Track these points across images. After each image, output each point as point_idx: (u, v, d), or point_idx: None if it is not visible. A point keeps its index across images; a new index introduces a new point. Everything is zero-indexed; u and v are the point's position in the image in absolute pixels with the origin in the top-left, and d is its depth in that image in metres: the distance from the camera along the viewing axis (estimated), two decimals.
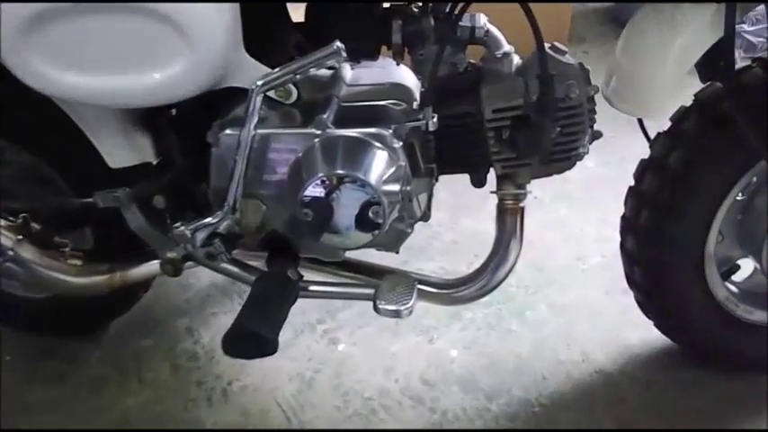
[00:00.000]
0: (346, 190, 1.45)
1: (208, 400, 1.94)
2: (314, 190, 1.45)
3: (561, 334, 2.09)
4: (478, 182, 1.70)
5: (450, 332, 2.13)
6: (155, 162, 1.74)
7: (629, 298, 1.94)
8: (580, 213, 2.52)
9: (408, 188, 1.49)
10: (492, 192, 1.69)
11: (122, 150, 1.68)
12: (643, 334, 2.04)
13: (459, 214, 2.48)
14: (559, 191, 2.61)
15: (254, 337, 1.37)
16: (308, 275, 1.67)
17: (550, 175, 1.68)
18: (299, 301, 2.31)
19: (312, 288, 1.63)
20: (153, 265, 1.80)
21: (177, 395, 1.96)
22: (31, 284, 1.75)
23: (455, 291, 1.78)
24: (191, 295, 2.32)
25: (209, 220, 1.56)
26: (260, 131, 1.51)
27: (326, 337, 2.14)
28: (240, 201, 1.58)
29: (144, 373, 2.02)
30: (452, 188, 2.65)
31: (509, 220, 1.71)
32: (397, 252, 1.73)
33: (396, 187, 1.47)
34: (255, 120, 1.45)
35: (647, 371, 1.98)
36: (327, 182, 1.44)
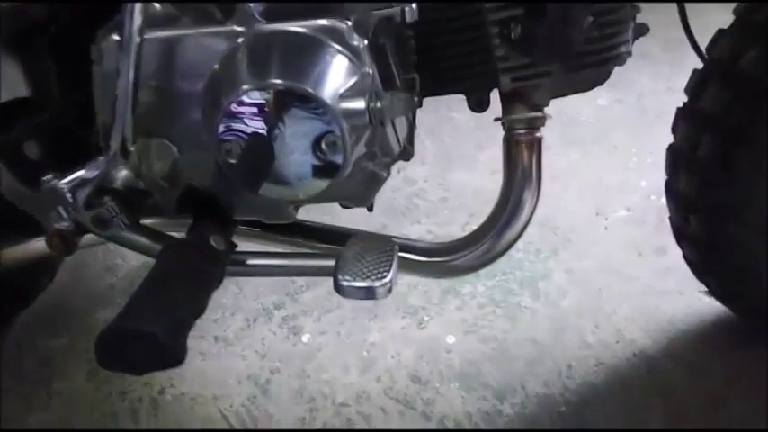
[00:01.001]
0: (288, 113, 0.96)
1: (133, 414, 1.56)
2: (238, 116, 0.95)
3: (585, 309, 1.71)
4: (478, 104, 1.24)
5: (445, 313, 1.69)
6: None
7: (666, 259, 1.70)
8: (595, 160, 2.08)
9: (379, 106, 1.00)
10: (497, 119, 1.24)
11: None
12: (689, 304, 1.69)
13: (448, 167, 2.06)
14: (568, 134, 2.17)
15: (142, 340, 0.87)
16: (246, 246, 1.18)
17: (578, 91, 1.25)
18: (252, 282, 1.85)
19: (249, 262, 1.14)
20: (38, 242, 1.29)
21: (94, 409, 1.57)
22: None
23: (450, 258, 1.32)
24: (116, 280, 1.83)
25: (92, 165, 1.06)
26: (157, 35, 1.01)
27: (286, 326, 1.67)
28: (139, 141, 1.07)
29: (54, 382, 1.61)
30: (438, 135, 2.19)
31: (521, 157, 1.23)
32: (371, 209, 1.25)
33: (360, 105, 0.99)
34: (140, 19, 0.96)
35: (698, 352, 1.59)
36: (258, 102, 0.95)
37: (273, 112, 1.02)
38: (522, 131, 1.25)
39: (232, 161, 1.05)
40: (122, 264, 1.91)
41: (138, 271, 1.89)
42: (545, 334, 1.65)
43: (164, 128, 1.14)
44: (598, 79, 1.24)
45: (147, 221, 1.25)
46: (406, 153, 1.21)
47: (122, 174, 1.16)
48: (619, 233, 1.92)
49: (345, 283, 1.02)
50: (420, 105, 1.24)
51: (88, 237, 1.28)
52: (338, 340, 1.66)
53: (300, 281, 1.80)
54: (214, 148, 1.05)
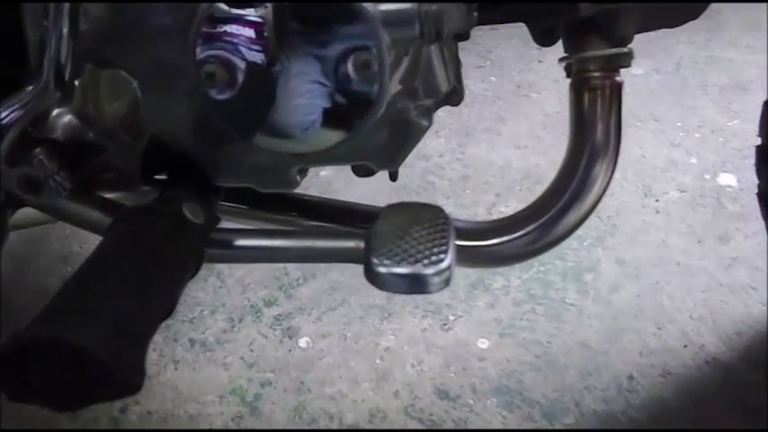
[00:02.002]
0: (298, 24, 0.67)
1: None
2: (226, 37, 0.65)
3: (643, 307, 1.41)
4: (545, 34, 0.92)
5: (474, 311, 1.38)
6: None
7: (731, 248, 1.47)
8: (636, 135, 1.77)
9: (435, 9, 0.68)
10: (563, 58, 0.93)
11: None
12: (763, 300, 1.40)
13: (467, 141, 1.77)
14: None
15: (71, 359, 0.54)
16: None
17: (667, 25, 0.97)
18: (237, 273, 1.52)
19: (238, 243, 0.82)
20: None
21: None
22: None
23: (491, 243, 0.99)
24: (70, 271, 1.47)
25: (13, 101, 0.74)
26: None
27: (279, 328, 1.34)
28: (85, 70, 0.76)
29: None
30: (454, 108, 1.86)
31: (597, 108, 0.93)
32: (395, 177, 0.94)
33: (408, 6, 0.67)
34: None
35: None
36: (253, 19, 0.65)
37: (276, 24, 0.70)
38: (598, 74, 0.94)
39: (216, 93, 0.72)
40: (80, 251, 1.58)
41: None
42: (598, 337, 1.34)
43: (118, 52, 0.81)
44: (693, 11, 0.94)
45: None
46: (456, 94, 0.89)
47: (64, 120, 0.84)
48: (673, 218, 1.61)
49: (383, 270, 0.70)
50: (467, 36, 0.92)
51: (26, 213, 0.97)
52: (344, 345, 1.33)
53: (295, 272, 1.48)
54: (190, 75, 0.72)
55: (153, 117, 0.85)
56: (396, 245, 0.72)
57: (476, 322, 1.38)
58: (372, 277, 0.72)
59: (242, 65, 0.75)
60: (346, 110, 0.80)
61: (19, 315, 1.44)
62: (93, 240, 1.56)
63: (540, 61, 2.00)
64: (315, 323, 1.39)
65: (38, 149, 0.81)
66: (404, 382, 1.27)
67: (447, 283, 0.71)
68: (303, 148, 0.80)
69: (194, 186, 0.90)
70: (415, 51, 0.76)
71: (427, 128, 0.87)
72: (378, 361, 1.31)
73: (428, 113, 0.86)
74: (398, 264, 0.70)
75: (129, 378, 0.57)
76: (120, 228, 0.74)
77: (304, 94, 0.81)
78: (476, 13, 0.83)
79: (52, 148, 0.82)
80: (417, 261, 0.70)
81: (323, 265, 1.50)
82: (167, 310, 0.66)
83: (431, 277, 0.70)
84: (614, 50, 0.92)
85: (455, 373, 1.28)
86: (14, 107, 0.79)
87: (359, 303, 1.40)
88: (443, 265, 0.70)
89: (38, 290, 1.52)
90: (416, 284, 0.70)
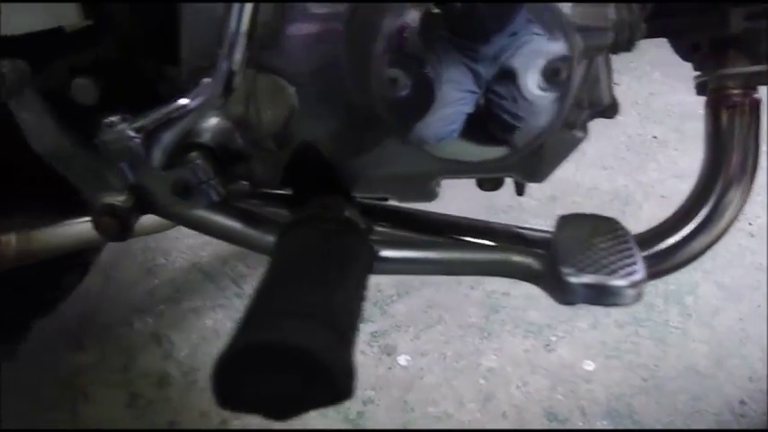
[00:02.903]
0: (485, 30, 0.65)
1: None
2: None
3: (747, 330, 1.37)
4: (692, 50, 0.90)
5: (576, 333, 1.37)
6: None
7: None
8: None
9: (627, 18, 0.66)
10: (699, 76, 0.91)
11: (25, 5, 0.86)
12: None
13: None
14: (685, 128, 1.80)
15: (293, 363, 0.52)
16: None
17: None
18: None
19: (397, 255, 0.79)
20: (79, 224, 0.95)
21: None
22: None
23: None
24: (156, 284, 1.47)
25: (180, 103, 0.72)
26: None
27: (377, 345, 1.31)
28: (247, 75, 0.74)
29: (81, 406, 1.27)
30: None
31: (737, 126, 0.90)
32: (522, 191, 0.92)
33: (608, 14, 0.65)
34: None
35: None
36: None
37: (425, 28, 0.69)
38: (737, 92, 0.91)
39: (395, 94, 0.70)
40: (165, 264, 1.56)
41: (185, 273, 1.54)
42: (705, 362, 1.30)
43: (278, 59, 0.79)
44: None
45: None
46: (613, 108, 0.87)
47: (214, 124, 0.82)
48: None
49: (575, 280, 0.67)
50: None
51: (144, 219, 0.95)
52: (445, 364, 1.30)
53: (389, 288, 1.45)
54: (374, 80, 0.70)
55: (307, 125, 0.84)
56: (585, 255, 0.70)
57: (579, 344, 1.34)
58: (560, 288, 0.69)
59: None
60: (499, 120, 0.78)
61: (103, 324, 1.43)
62: (178, 253, 1.55)
63: (617, 84, 1.98)
64: (413, 341, 1.36)
65: (194, 153, 0.79)
66: (511, 404, 1.24)
67: (640, 296, 0.68)
68: (472, 153, 0.78)
69: (334, 197, 0.88)
70: (590, 61, 0.74)
71: (582, 140, 0.85)
72: (481, 381, 1.28)
73: (584, 125, 0.84)
74: (592, 275, 0.68)
75: (346, 383, 0.55)
76: (297, 234, 0.72)
77: (452, 104, 0.79)
78: (644, 24, 0.81)
79: (206, 153, 0.80)
80: (612, 272, 0.68)
81: (416, 282, 1.47)
82: (359, 315, 0.64)
83: (626, 289, 0.68)
84: (756, 68, 0.90)
85: (563, 396, 1.25)
86: (178, 111, 0.77)
87: (456, 322, 1.38)
88: (638, 276, 0.67)
89: (122, 300, 1.50)
90: (610, 296, 0.68)
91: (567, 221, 0.76)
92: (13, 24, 0.90)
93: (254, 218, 0.90)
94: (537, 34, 0.72)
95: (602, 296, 0.67)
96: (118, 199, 0.91)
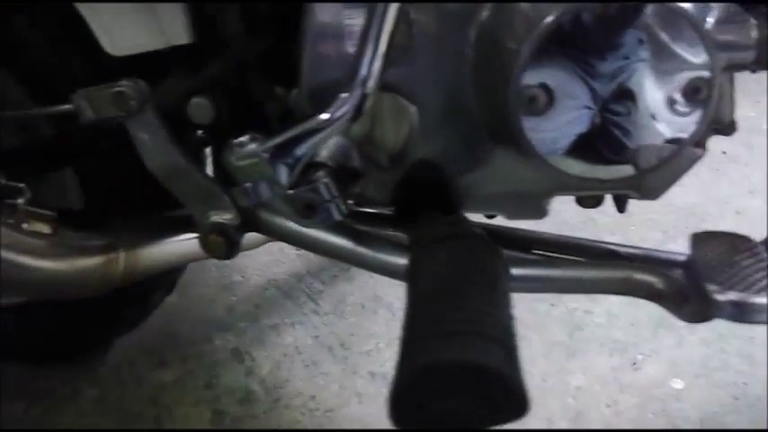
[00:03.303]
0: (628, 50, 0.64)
1: None
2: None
3: None
4: None
5: (662, 351, 1.36)
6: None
7: None
8: None
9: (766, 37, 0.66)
10: None
11: (135, 25, 0.88)
12: None
13: None
14: (753, 143, 1.77)
15: (481, 381, 0.51)
16: None
17: None
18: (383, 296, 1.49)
19: (527, 272, 0.79)
20: (185, 242, 0.96)
21: None
22: None
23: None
24: (234, 301, 1.48)
25: (312, 124, 0.72)
26: None
27: None
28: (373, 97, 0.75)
29: (165, 423, 1.27)
30: None
31: None
32: (623, 208, 0.92)
33: (751, 33, 0.64)
34: None
35: None
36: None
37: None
38: None
39: (533, 112, 0.70)
40: (242, 281, 1.56)
41: (262, 290, 1.54)
42: None
43: (402, 78, 0.80)
44: None
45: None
46: (731, 125, 0.86)
47: (333, 143, 0.82)
48: None
49: (720, 297, 0.66)
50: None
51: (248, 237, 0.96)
52: (532, 383, 1.28)
53: None
54: (512, 99, 0.70)
55: (424, 143, 0.84)
56: (729, 273, 0.69)
57: (666, 362, 1.33)
58: (706, 305, 0.68)
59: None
60: (612, 139, 0.78)
61: (183, 341, 1.44)
62: (253, 270, 1.55)
63: None
64: None
65: (321, 172, 0.79)
66: (602, 423, 1.22)
67: None
68: (596, 175, 0.77)
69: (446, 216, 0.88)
70: (730, 78, 0.74)
71: (701, 157, 0.84)
72: (570, 400, 1.27)
73: (704, 142, 0.83)
74: (738, 292, 0.67)
75: (526, 399, 0.55)
76: (438, 252, 0.72)
77: (569, 119, 0.78)
78: None
79: (330, 172, 0.80)
80: (758, 290, 0.67)
81: None
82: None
83: None
84: None
85: (654, 414, 1.23)
86: (308, 132, 0.77)
87: (540, 339, 1.37)
88: None
89: (200, 318, 1.51)
90: (755, 313, 0.67)
91: (701, 239, 0.75)
92: (123, 45, 0.91)
93: (367, 236, 0.90)
94: (643, 60, 0.73)
95: (746, 313, 0.67)
96: (225, 217, 0.92)
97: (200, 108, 0.88)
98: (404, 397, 0.55)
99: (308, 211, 0.81)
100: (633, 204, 1.61)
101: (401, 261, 0.86)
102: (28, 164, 0.95)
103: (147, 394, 1.35)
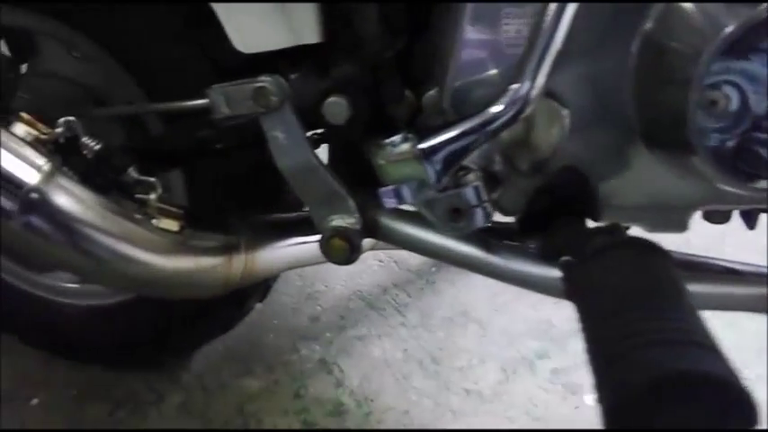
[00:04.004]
0: None
1: None
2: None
3: None
4: None
5: None
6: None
7: None
8: None
9: None
10: None
11: (267, 24, 0.86)
12: None
13: None
14: None
15: (712, 391, 0.48)
16: None
17: None
18: (496, 320, 1.46)
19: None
20: (303, 245, 0.93)
21: None
22: (79, 268, 0.85)
23: None
24: (320, 311, 1.45)
25: (469, 126, 0.70)
26: None
27: (558, 382, 1.27)
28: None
29: None
30: None
31: None
32: (753, 225, 0.88)
33: None
34: None
35: None
36: None
37: None
38: None
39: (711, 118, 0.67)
40: (325, 290, 1.54)
41: (346, 301, 1.51)
42: None
43: (558, 81, 0.77)
44: None
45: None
46: None
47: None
48: None
49: None
50: None
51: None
52: None
53: (563, 324, 1.40)
54: (691, 105, 0.66)
55: (573, 149, 0.81)
56: None
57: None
58: None
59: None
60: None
61: (270, 350, 1.41)
62: (337, 280, 1.52)
63: None
64: None
65: (471, 176, 0.77)
66: None
67: None
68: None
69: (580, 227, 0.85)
70: None
71: None
72: None
73: None
74: None
75: (756, 409, 0.51)
76: (608, 262, 0.68)
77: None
78: None
79: (482, 175, 0.77)
80: None
81: None
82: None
83: None
84: None
85: None
86: (465, 132, 0.75)
87: None
88: None
89: (285, 327, 1.48)
90: None
91: None
92: (254, 43, 0.90)
93: (499, 245, 0.87)
94: None
95: None
96: (348, 221, 0.90)
97: (337, 107, 0.86)
98: (628, 412, 0.51)
99: (455, 215, 0.79)
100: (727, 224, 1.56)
101: (544, 271, 0.83)
102: (157, 160, 0.93)
103: (234, 402, 1.32)
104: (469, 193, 0.76)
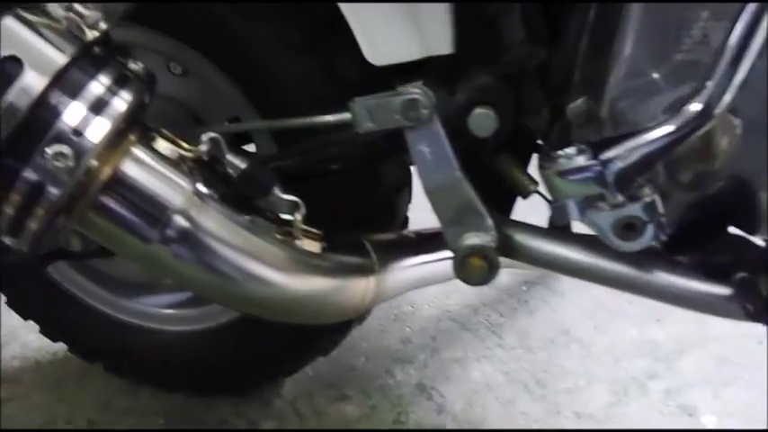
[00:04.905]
0: None
1: None
2: None
3: None
4: None
5: None
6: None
7: None
8: None
9: None
10: None
11: (399, 33, 0.83)
12: None
13: None
14: None
15: None
16: None
17: None
18: (598, 339, 1.41)
19: None
20: (434, 263, 0.89)
21: None
22: (221, 294, 0.81)
23: None
24: (410, 333, 1.41)
25: (664, 131, 0.66)
26: None
27: (673, 404, 1.22)
28: None
29: None
30: None
31: None
32: None
33: None
34: None
35: None
36: None
37: None
38: None
39: None
40: (412, 311, 1.49)
41: (436, 322, 1.47)
42: None
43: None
44: None
45: None
46: None
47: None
48: None
49: None
50: None
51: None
52: (755, 427, 1.19)
53: (668, 343, 1.36)
54: None
55: (743, 161, 0.76)
56: None
57: None
58: None
59: None
60: None
61: (362, 373, 1.37)
62: (424, 301, 1.48)
63: None
64: (713, 400, 1.25)
65: (646, 189, 0.72)
66: None
67: None
68: None
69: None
70: None
71: None
72: None
73: None
74: None
75: None
76: None
77: None
78: None
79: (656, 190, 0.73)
80: None
81: (696, 337, 1.38)
82: None
83: None
84: None
85: None
86: (646, 141, 0.70)
87: (757, 380, 1.27)
88: None
89: (376, 350, 1.44)
90: None
91: None
92: (386, 55, 0.86)
93: (659, 263, 0.83)
94: None
95: None
96: (484, 239, 0.86)
97: (485, 119, 0.82)
98: None
99: (626, 231, 0.74)
100: None
101: (712, 289, 0.78)
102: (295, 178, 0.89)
103: (331, 429, 1.28)
104: (644, 207, 0.72)
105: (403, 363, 1.39)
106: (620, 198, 0.71)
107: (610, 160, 0.70)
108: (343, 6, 0.84)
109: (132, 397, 1.32)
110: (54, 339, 1.30)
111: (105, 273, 1.21)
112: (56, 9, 0.70)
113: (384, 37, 0.85)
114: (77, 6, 0.70)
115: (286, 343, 1.17)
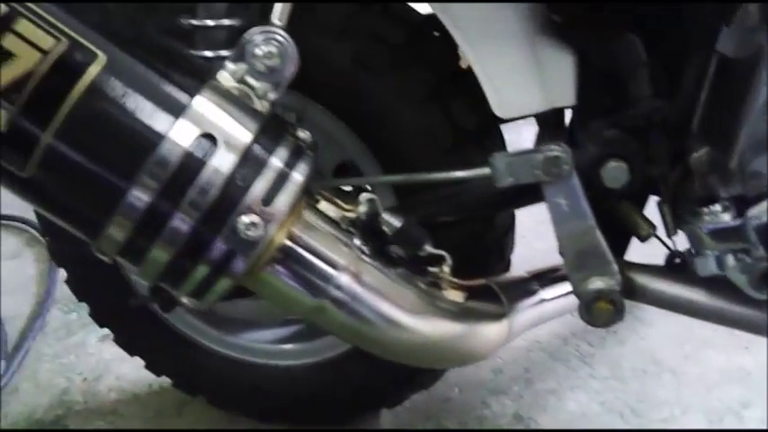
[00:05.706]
0: None
1: None
2: None
3: None
4: None
5: None
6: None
7: None
8: None
9: None
10: None
11: (525, 85, 0.88)
12: None
13: None
14: None
15: None
16: None
17: None
18: (689, 368, 1.44)
19: None
20: (556, 303, 0.94)
21: None
22: (384, 347, 0.85)
23: None
24: (501, 363, 1.44)
25: None
26: None
27: None
28: None
29: None
30: None
31: None
32: None
33: None
34: None
35: None
36: None
37: None
38: None
39: None
40: None
41: (526, 352, 1.50)
42: None
43: None
44: None
45: None
46: None
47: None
48: None
49: None
50: None
51: None
52: None
53: (760, 370, 1.38)
54: None
55: None
56: None
57: None
58: None
59: None
60: None
61: (457, 404, 1.40)
62: None
63: None
64: None
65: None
66: None
67: None
68: None
69: None
70: None
71: None
72: None
73: None
74: None
75: None
76: None
77: None
78: None
79: None
80: None
81: None
82: None
83: None
84: None
85: None
86: None
87: None
88: None
89: (470, 382, 1.47)
90: None
91: None
92: (512, 108, 0.91)
93: None
94: None
95: None
96: (608, 283, 0.90)
97: (618, 172, 0.86)
98: None
99: (765, 281, 0.78)
100: None
101: None
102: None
103: None
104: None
105: (497, 394, 1.42)
106: (762, 252, 0.75)
107: (755, 217, 0.74)
108: (473, 61, 0.88)
109: (228, 427, 1.36)
110: (158, 374, 1.34)
111: (211, 310, 1.26)
112: (228, 80, 0.75)
113: (511, 90, 0.89)
114: (248, 78, 0.75)
115: (392, 377, 1.21)
